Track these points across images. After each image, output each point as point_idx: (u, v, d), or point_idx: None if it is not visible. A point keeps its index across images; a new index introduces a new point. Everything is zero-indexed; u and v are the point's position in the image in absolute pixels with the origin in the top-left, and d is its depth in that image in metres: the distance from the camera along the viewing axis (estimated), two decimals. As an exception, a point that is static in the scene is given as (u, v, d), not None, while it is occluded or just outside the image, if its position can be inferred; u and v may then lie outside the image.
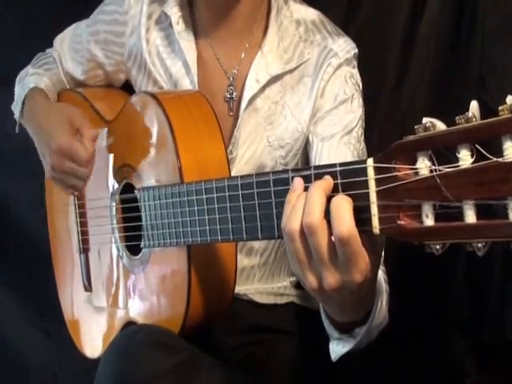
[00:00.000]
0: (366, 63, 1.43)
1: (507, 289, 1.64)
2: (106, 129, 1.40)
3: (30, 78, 1.52)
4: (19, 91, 1.52)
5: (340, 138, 1.32)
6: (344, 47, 1.37)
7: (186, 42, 1.37)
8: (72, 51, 1.57)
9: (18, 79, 1.58)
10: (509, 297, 1.64)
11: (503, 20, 1.58)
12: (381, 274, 1.13)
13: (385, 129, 1.69)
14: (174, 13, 1.38)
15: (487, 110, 0.66)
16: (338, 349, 1.07)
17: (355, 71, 1.38)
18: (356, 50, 1.39)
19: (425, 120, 0.70)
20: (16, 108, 1.52)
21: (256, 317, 1.44)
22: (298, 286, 1.51)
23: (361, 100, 1.37)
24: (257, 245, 1.42)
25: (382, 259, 1.14)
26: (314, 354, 1.39)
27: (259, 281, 1.46)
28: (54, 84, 1.54)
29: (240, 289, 1.41)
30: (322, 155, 1.33)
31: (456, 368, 1.71)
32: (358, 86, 1.38)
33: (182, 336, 1.18)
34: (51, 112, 1.44)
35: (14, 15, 1.88)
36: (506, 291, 1.64)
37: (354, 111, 1.35)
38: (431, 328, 1.71)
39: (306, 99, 1.36)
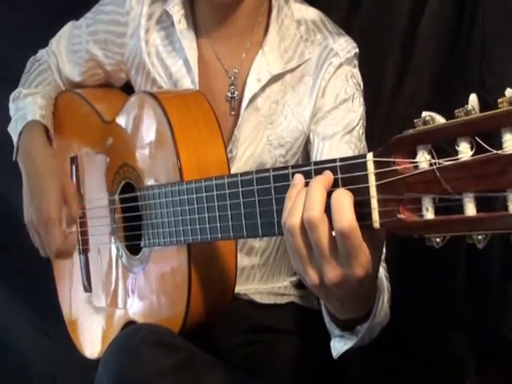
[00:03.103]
0: (366, 63, 1.43)
1: (507, 289, 1.64)
2: (106, 129, 1.40)
3: (26, 101, 1.50)
4: (15, 115, 1.51)
5: (341, 137, 1.33)
6: (345, 47, 1.37)
7: (188, 41, 1.37)
8: (69, 52, 1.56)
9: (11, 98, 1.56)
10: (509, 297, 1.63)
11: (503, 20, 1.58)
12: (382, 271, 1.13)
13: (385, 128, 1.69)
14: (176, 11, 1.38)
15: (487, 109, 0.66)
16: (339, 346, 1.07)
17: (356, 70, 1.39)
18: (357, 50, 1.39)
19: (424, 114, 0.71)
20: (13, 135, 1.51)
21: (256, 317, 1.44)
22: (298, 285, 1.51)
23: (362, 99, 1.37)
24: (257, 244, 1.42)
25: (384, 257, 1.14)
26: (314, 354, 1.39)
27: (259, 281, 1.46)
28: (49, 98, 1.53)
29: (240, 289, 1.41)
30: (322, 154, 1.33)
31: (456, 368, 1.71)
32: (359, 86, 1.38)
33: (182, 335, 1.18)
34: (48, 169, 1.44)
35: (14, 15, 1.88)
36: (506, 291, 1.64)
37: (355, 110, 1.35)
38: (431, 328, 1.71)
39: (306, 99, 1.36)
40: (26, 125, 1.47)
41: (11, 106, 1.56)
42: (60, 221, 1.40)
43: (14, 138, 1.50)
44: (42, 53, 1.64)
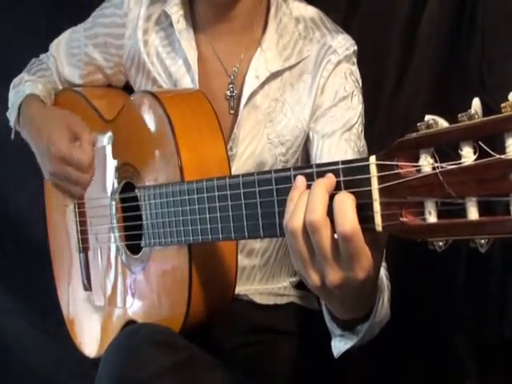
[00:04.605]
0: (366, 63, 1.43)
1: (507, 289, 1.64)
2: (106, 128, 1.40)
3: (26, 85, 1.51)
4: (14, 97, 1.52)
5: (340, 135, 1.33)
6: (343, 44, 1.37)
7: (187, 41, 1.37)
8: (69, 56, 1.57)
9: (12, 85, 1.57)
10: (509, 297, 1.64)
11: (503, 20, 1.59)
12: (382, 270, 1.13)
13: (385, 128, 1.69)
14: (175, 12, 1.38)
15: (488, 111, 0.66)
16: (340, 345, 1.07)
17: (355, 68, 1.39)
18: (355, 47, 1.39)
19: (427, 117, 0.71)
20: (11, 114, 1.51)
21: (256, 317, 1.44)
22: (298, 286, 1.52)
23: (361, 97, 1.38)
24: (257, 245, 1.43)
25: (384, 256, 1.14)
26: (314, 354, 1.39)
27: (259, 281, 1.46)
28: (48, 91, 1.54)
29: (240, 289, 1.41)
30: (322, 152, 1.33)
31: (456, 369, 1.71)
32: (358, 83, 1.38)
33: (182, 335, 1.18)
34: (48, 117, 1.43)
35: (14, 15, 1.88)
36: (506, 292, 1.64)
37: (354, 108, 1.35)
38: (431, 329, 1.71)
39: (305, 96, 1.36)
40: (25, 98, 1.47)
41: (11, 93, 1.56)
42: (72, 153, 1.36)
43: (12, 119, 1.50)
44: (42, 56, 1.64)
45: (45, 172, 1.42)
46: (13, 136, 1.49)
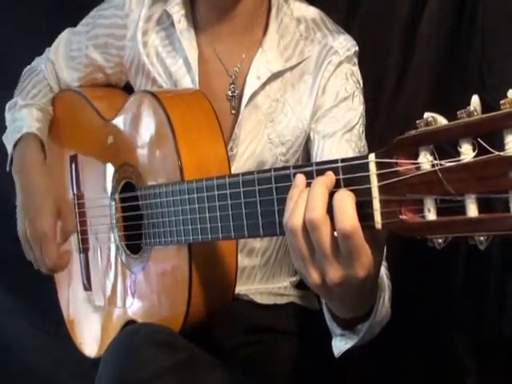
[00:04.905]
0: (366, 63, 1.43)
1: (507, 286, 1.64)
2: (106, 128, 1.40)
3: (22, 114, 1.51)
4: (11, 128, 1.52)
5: (341, 136, 1.33)
6: (344, 45, 1.37)
7: (188, 41, 1.37)
8: (68, 59, 1.57)
9: (7, 107, 1.57)
10: (508, 294, 1.64)
11: (503, 20, 1.59)
12: (383, 270, 1.13)
13: (385, 129, 1.70)
14: (176, 11, 1.38)
15: (488, 109, 0.66)
16: (340, 345, 1.07)
17: (356, 68, 1.39)
18: (356, 48, 1.39)
19: (426, 115, 0.71)
20: (8, 145, 1.52)
21: (256, 317, 1.44)
22: (298, 286, 1.52)
23: (362, 97, 1.38)
24: (258, 245, 1.43)
25: (384, 255, 1.14)
26: (314, 354, 1.39)
27: (260, 281, 1.46)
28: (46, 111, 1.55)
29: (240, 289, 1.41)
30: (323, 153, 1.33)
31: (456, 368, 1.71)
32: (359, 84, 1.38)
33: (182, 335, 1.18)
34: (41, 183, 1.46)
35: (14, 15, 1.88)
36: (506, 289, 1.64)
37: (355, 109, 1.35)
38: (431, 327, 1.71)
39: (306, 97, 1.36)
40: (21, 137, 1.48)
41: (7, 114, 1.56)
42: (55, 237, 1.42)
43: (9, 148, 1.51)
44: (37, 61, 1.64)
45: (19, 227, 1.47)
46: (8, 168, 1.50)
